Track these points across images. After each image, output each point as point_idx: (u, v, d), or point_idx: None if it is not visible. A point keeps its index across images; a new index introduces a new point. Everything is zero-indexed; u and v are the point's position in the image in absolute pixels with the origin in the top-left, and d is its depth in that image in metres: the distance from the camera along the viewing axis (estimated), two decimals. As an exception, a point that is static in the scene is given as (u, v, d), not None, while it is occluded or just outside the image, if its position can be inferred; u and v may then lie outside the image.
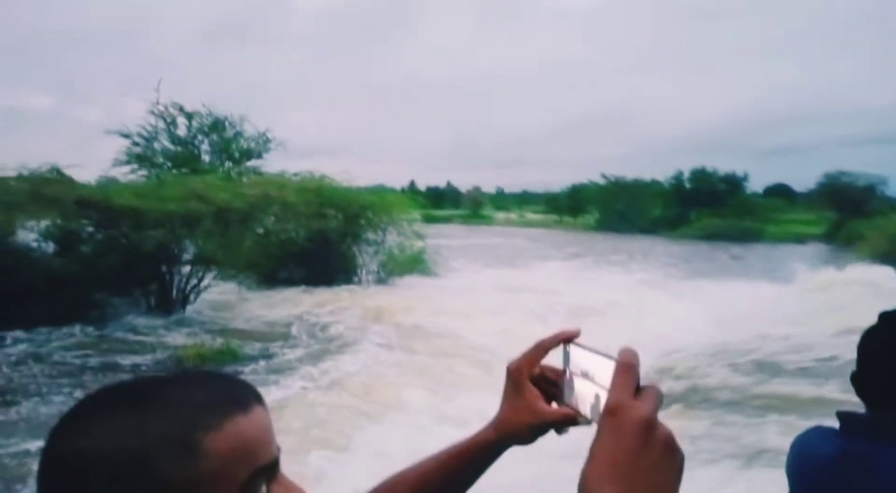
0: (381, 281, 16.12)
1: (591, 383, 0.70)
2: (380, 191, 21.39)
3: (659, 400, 0.60)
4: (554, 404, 0.78)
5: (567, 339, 0.77)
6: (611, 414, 0.59)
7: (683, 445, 0.59)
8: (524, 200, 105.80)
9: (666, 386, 7.96)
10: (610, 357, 0.67)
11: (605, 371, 0.66)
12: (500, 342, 9.31)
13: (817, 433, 1.51)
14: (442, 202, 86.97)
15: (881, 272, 16.12)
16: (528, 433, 0.79)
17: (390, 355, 8.92)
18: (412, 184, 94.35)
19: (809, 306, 12.33)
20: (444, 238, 26.00)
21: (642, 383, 0.61)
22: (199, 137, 19.49)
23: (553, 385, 0.78)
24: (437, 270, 17.95)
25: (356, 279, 15.94)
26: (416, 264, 17.24)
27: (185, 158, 18.69)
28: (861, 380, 1.44)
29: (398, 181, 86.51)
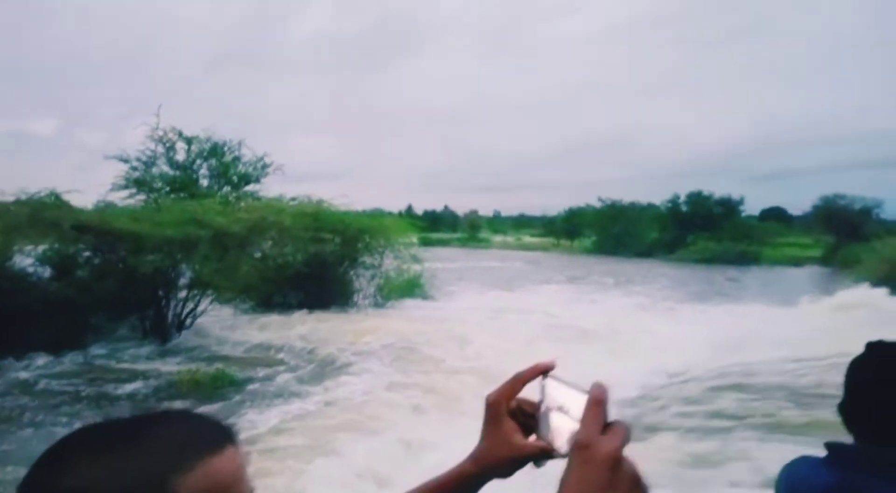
0: (378, 305, 16.10)
1: (567, 417, 0.71)
2: (377, 215, 21.46)
3: (627, 436, 0.62)
4: (533, 437, 0.78)
5: (543, 372, 0.78)
6: (580, 449, 0.61)
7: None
8: (521, 223, 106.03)
9: (658, 410, 7.94)
10: (583, 391, 0.68)
11: (578, 405, 0.68)
12: (499, 365, 9.27)
13: (805, 463, 1.49)
14: (439, 226, 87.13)
15: (879, 296, 16.16)
16: (505, 467, 0.79)
17: (387, 377, 8.87)
18: (409, 208, 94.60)
19: (807, 330, 12.32)
20: (442, 261, 26.01)
21: (623, 415, 0.63)
22: (198, 161, 19.57)
23: (531, 418, 0.79)
24: (435, 293, 17.95)
25: (353, 303, 15.92)
26: (413, 288, 17.24)
27: (183, 182, 18.74)
28: (848, 411, 1.43)
29: (396, 205, 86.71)
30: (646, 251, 50.01)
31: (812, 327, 12.44)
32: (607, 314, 15.05)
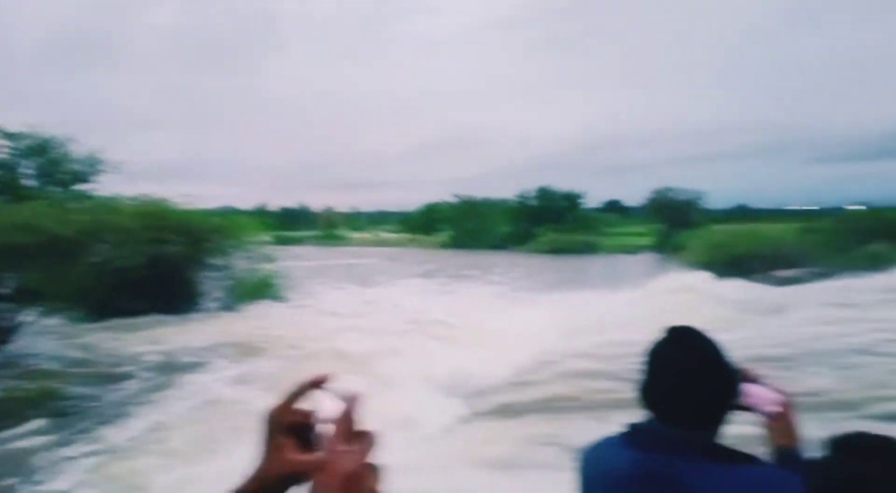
0: (227, 308, 15.44)
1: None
2: (227, 213, 20.57)
3: (370, 446, 0.64)
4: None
5: (317, 383, 0.76)
6: (320, 469, 0.62)
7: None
8: (379, 220, 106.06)
9: (517, 393, 8.26)
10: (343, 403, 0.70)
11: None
12: (358, 362, 9.23)
13: (608, 445, 1.52)
14: (295, 223, 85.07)
15: (701, 278, 17.78)
16: (284, 482, 0.74)
17: (233, 379, 8.55)
18: (263, 205, 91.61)
19: (644, 311, 13.28)
20: (298, 260, 25.46)
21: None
22: (21, 160, 17.77)
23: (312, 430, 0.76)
24: (290, 293, 17.50)
25: (200, 307, 15.17)
26: (266, 289, 16.69)
27: (4, 183, 16.95)
28: (649, 392, 1.48)
29: (249, 203, 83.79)
30: (499, 244, 51.86)
31: (647, 309, 13.44)
32: (465, 305, 15.45)
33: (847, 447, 1.14)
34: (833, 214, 35.06)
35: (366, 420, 0.66)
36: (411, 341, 11.34)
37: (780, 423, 1.59)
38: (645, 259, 39.05)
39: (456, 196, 61.77)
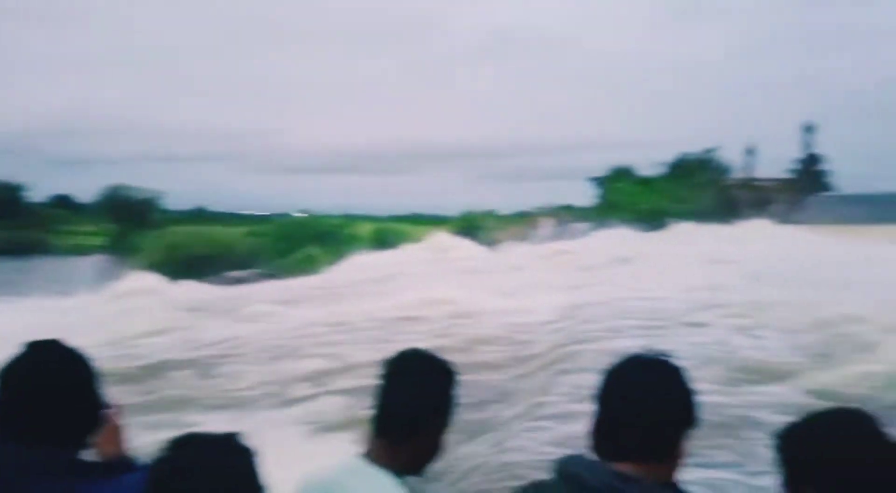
0: None
1: None
2: None
3: None
4: None
5: None
6: None
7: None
8: None
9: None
10: None
11: None
12: None
13: None
14: None
15: (156, 281, 18.04)
16: None
17: None
18: None
19: (97, 317, 12.83)
20: None
21: None
22: None
23: None
24: None
25: None
26: None
27: None
28: (6, 413, 1.38)
29: None
30: None
31: (91, 316, 13.02)
32: None
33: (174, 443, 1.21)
34: (279, 220, 39.33)
35: None
36: None
37: (109, 433, 1.60)
38: (99, 261, 36.94)
39: None
